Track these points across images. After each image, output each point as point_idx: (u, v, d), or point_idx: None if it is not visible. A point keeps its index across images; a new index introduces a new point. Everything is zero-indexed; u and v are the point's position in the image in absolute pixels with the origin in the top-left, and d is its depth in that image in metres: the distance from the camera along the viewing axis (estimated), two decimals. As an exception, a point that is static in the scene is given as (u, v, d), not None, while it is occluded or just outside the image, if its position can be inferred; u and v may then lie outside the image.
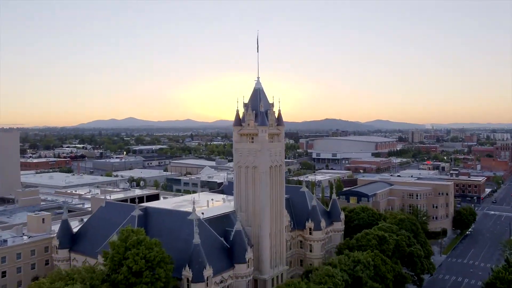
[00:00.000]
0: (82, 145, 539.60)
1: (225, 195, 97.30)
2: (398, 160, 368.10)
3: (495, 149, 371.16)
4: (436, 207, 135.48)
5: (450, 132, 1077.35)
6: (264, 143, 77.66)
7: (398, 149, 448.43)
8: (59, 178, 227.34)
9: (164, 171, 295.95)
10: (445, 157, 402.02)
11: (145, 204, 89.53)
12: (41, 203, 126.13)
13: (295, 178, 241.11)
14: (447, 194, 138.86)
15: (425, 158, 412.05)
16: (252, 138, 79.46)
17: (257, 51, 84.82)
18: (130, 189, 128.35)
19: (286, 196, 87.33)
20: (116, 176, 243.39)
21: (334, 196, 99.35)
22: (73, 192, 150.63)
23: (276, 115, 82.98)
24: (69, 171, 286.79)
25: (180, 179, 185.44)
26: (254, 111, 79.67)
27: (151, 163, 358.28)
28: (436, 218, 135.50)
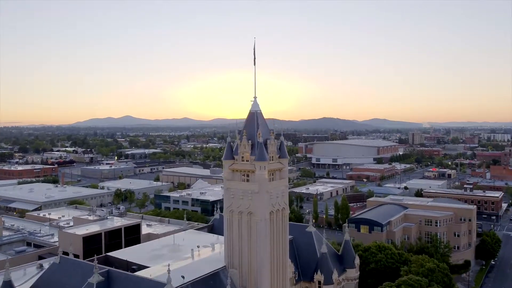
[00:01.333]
0: (73, 148, 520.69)
1: (216, 236, 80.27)
2: (402, 166, 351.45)
3: (503, 155, 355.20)
4: (458, 235, 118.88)
5: (450, 132, 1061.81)
6: (263, 183, 60.60)
7: (400, 153, 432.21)
8: (40, 191, 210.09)
9: (155, 180, 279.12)
10: (449, 162, 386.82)
11: (114, 253, 72.80)
12: (3, 233, 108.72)
13: (296, 191, 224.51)
14: (469, 220, 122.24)
15: (429, 163, 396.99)
16: (248, 175, 62.47)
17: (254, 64, 67.59)
18: (107, 218, 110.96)
19: (289, 237, 70.47)
20: (102, 188, 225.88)
21: (346, 236, 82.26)
22: (46, 216, 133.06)
23: (278, 144, 66.00)
24: (54, 180, 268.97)
25: (169, 196, 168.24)
26: (250, 141, 62.66)
27: (142, 170, 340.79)
28: (458, 248, 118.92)
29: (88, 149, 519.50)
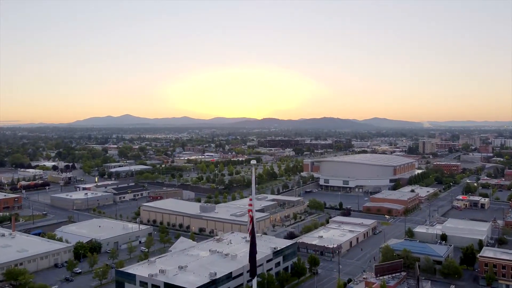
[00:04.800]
0: (54, 163, 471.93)
1: None
2: (424, 191, 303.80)
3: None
4: None
5: (459, 138, 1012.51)
6: None
7: (418, 172, 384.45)
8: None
9: (135, 215, 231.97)
10: (475, 184, 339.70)
11: None
12: None
13: (306, 241, 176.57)
14: None
15: (451, 183, 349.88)
16: None
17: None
18: None
19: None
20: (60, 239, 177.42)
21: None
22: None
23: None
24: (9, 219, 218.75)
25: (135, 276, 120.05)
26: None
27: (124, 197, 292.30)
28: None
29: (71, 164, 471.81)
